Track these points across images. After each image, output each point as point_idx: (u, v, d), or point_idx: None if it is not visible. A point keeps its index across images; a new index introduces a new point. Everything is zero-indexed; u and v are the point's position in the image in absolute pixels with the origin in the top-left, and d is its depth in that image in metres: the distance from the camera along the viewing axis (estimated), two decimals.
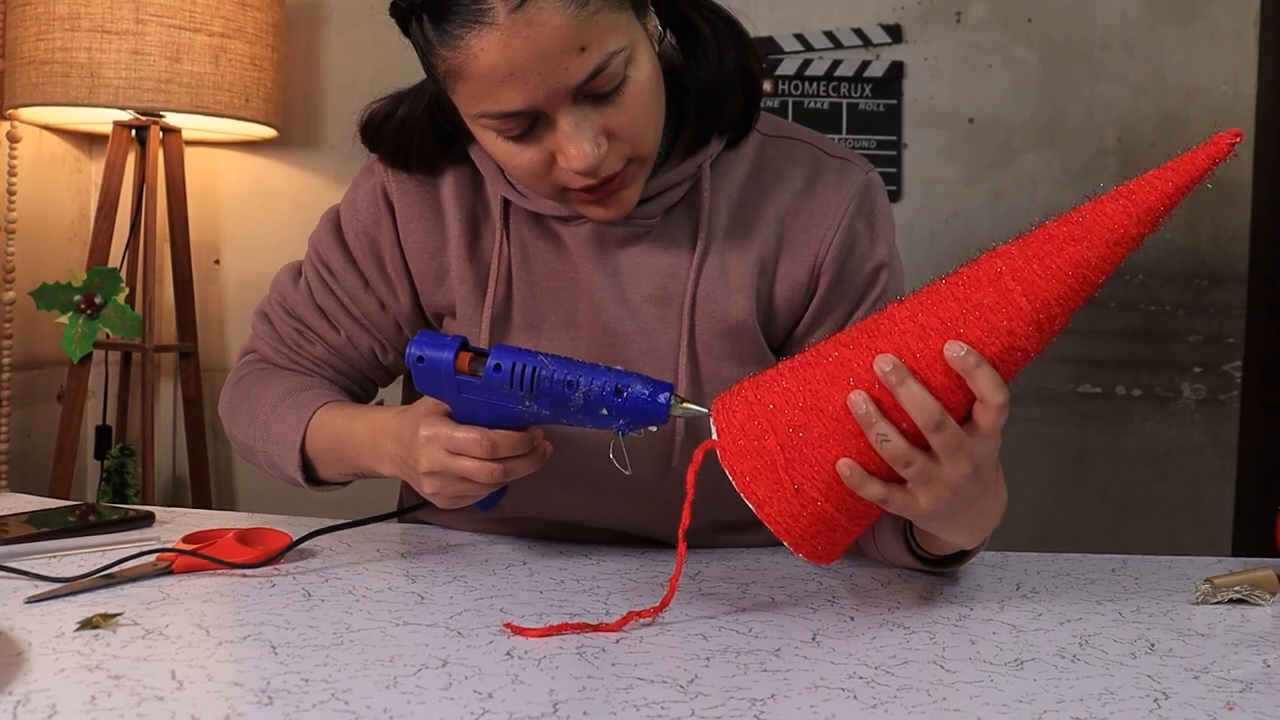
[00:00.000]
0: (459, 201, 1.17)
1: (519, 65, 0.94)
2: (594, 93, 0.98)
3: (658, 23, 1.07)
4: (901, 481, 0.88)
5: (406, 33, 1.00)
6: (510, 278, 1.16)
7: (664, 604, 0.91)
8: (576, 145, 0.98)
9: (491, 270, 1.16)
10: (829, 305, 1.15)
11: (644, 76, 1.00)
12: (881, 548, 1.10)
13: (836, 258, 1.14)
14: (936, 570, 1.08)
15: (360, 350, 1.24)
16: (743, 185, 1.16)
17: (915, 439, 0.86)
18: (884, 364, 0.85)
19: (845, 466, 0.86)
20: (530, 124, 0.99)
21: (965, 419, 0.87)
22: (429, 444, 0.99)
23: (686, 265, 1.13)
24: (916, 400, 0.85)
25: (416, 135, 1.14)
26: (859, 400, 0.86)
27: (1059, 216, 0.86)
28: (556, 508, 1.19)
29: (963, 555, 1.05)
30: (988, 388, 0.85)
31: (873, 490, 0.87)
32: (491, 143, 1.03)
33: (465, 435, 0.97)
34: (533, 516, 1.21)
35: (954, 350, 0.85)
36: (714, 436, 0.90)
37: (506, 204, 1.16)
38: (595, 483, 1.15)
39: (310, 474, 1.17)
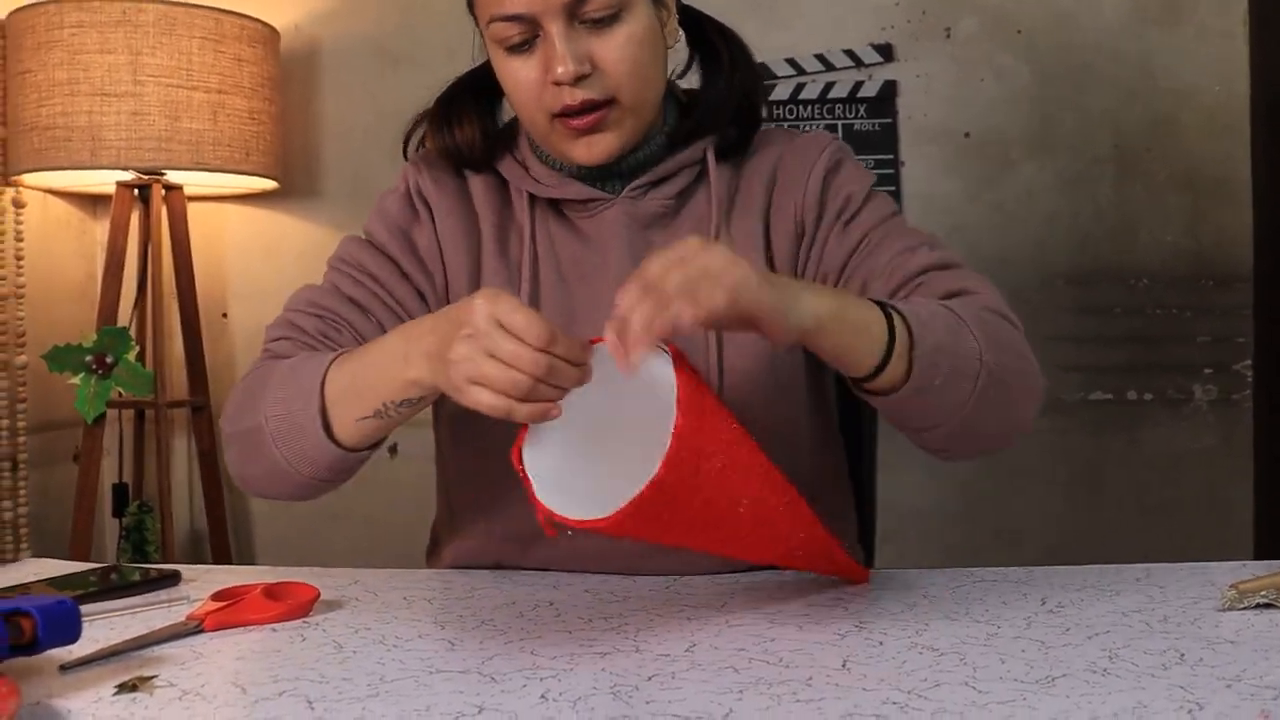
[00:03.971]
0: (489, 203, 1.27)
1: None
2: (587, 18, 1.13)
3: (676, 14, 1.23)
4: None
5: None
6: (538, 271, 1.24)
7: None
8: (562, 57, 1.12)
9: (522, 264, 1.24)
10: (815, 240, 1.26)
11: (639, 25, 1.15)
12: None
13: (814, 203, 1.25)
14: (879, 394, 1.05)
15: None
16: (739, 170, 1.29)
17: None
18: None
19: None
20: (531, 36, 1.14)
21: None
22: (483, 309, 0.90)
23: None
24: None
25: (477, 139, 1.26)
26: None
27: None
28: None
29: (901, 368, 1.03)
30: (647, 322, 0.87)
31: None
32: (499, 60, 1.17)
33: (525, 316, 0.89)
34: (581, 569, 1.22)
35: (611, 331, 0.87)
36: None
37: (532, 200, 1.25)
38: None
39: (330, 431, 1.06)
